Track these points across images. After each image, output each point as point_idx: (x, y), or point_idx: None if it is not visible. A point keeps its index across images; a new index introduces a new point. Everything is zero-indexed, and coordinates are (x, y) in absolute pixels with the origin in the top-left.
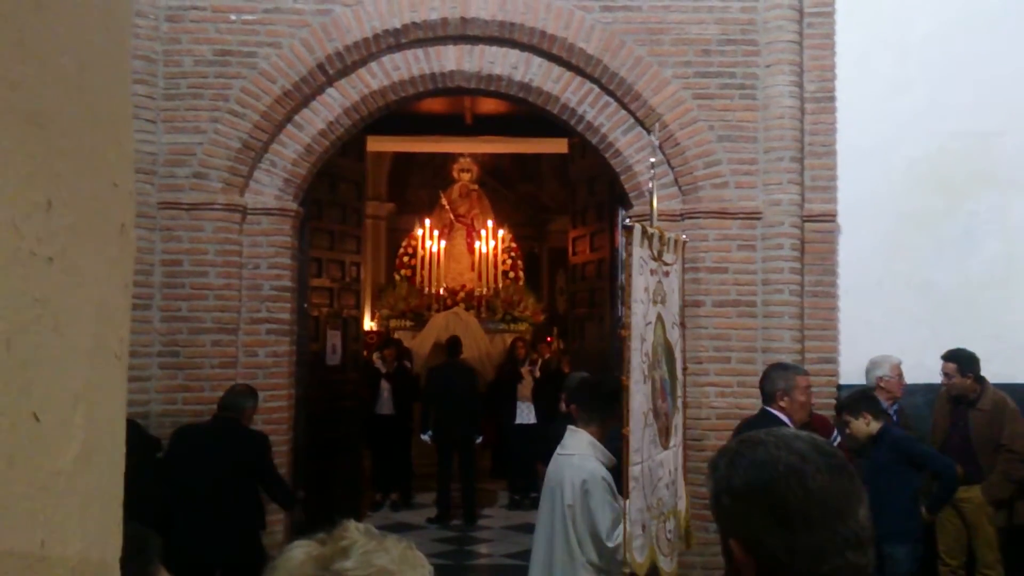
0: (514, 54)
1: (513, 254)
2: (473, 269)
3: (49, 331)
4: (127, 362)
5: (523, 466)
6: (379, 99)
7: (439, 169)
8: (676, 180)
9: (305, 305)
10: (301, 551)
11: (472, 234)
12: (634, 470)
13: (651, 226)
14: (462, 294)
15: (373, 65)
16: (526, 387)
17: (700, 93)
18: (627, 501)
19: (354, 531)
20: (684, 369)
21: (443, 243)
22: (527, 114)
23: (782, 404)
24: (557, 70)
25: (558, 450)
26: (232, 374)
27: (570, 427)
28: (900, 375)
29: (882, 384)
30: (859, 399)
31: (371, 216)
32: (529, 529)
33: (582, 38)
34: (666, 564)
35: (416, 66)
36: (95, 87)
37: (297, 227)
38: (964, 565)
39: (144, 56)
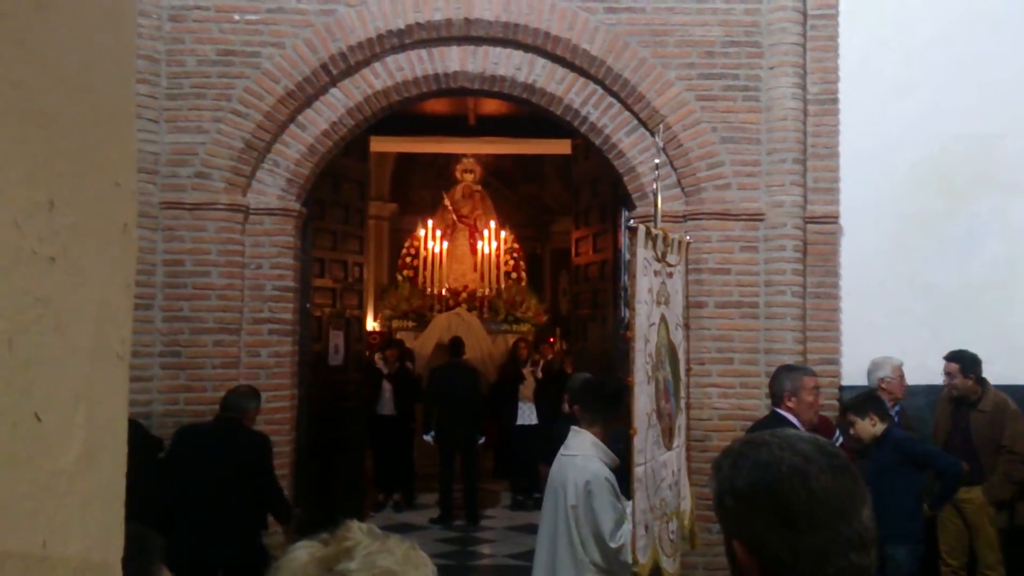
0: (518, 55)
1: (515, 255)
2: (475, 270)
3: (51, 331)
4: (129, 362)
5: (525, 467)
6: (382, 99)
7: (442, 170)
8: (679, 181)
9: (308, 305)
10: (305, 552)
11: (475, 235)
12: (637, 471)
13: (655, 227)
14: (464, 295)
15: (377, 65)
16: (528, 388)
17: (703, 95)
18: (634, 502)
19: (357, 532)
20: (687, 370)
21: (446, 244)
22: (530, 115)
23: (790, 405)
24: (561, 71)
25: (561, 451)
26: (234, 374)
27: (573, 428)
28: (902, 376)
29: (884, 385)
30: (866, 400)
31: (374, 216)
32: (532, 530)
33: (586, 39)
34: (669, 565)
35: (420, 67)
36: (98, 87)
37: (300, 227)
38: (965, 566)
39: (147, 56)
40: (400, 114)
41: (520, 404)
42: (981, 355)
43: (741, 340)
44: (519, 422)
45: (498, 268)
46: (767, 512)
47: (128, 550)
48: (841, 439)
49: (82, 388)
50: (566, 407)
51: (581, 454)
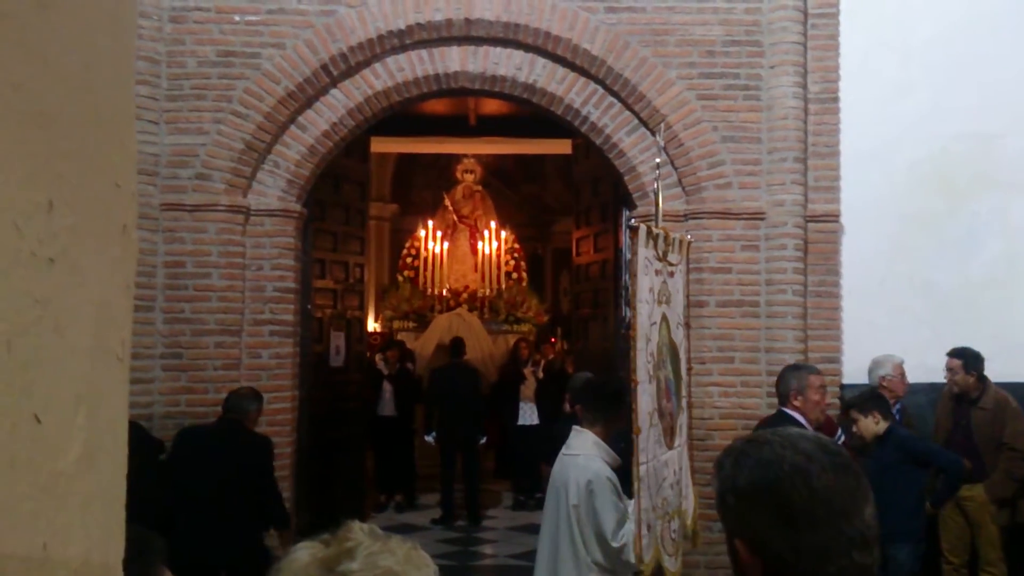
0: (518, 55)
1: (516, 255)
2: (476, 270)
3: (50, 332)
4: (129, 363)
5: (527, 467)
6: (383, 100)
7: (443, 170)
8: (680, 181)
9: (308, 307)
10: (306, 552)
11: (475, 235)
12: (639, 470)
13: (656, 226)
14: (465, 295)
15: (377, 66)
16: (529, 388)
17: (704, 94)
18: (637, 501)
19: (359, 532)
20: (688, 369)
21: (446, 244)
22: (531, 115)
23: (796, 404)
24: (561, 71)
25: (563, 450)
26: (235, 376)
27: (575, 427)
28: (903, 374)
29: (885, 383)
30: (869, 397)
31: (375, 217)
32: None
33: (586, 39)
34: (670, 564)
35: (420, 67)
36: (98, 88)
37: (300, 228)
38: (967, 563)
39: (147, 57)
40: (401, 115)
41: (521, 404)
42: (982, 353)
43: (742, 339)
44: (520, 422)
45: (499, 268)
46: (769, 511)
47: (129, 552)
48: (843, 437)
49: (82, 389)
50: (567, 407)
51: (583, 453)
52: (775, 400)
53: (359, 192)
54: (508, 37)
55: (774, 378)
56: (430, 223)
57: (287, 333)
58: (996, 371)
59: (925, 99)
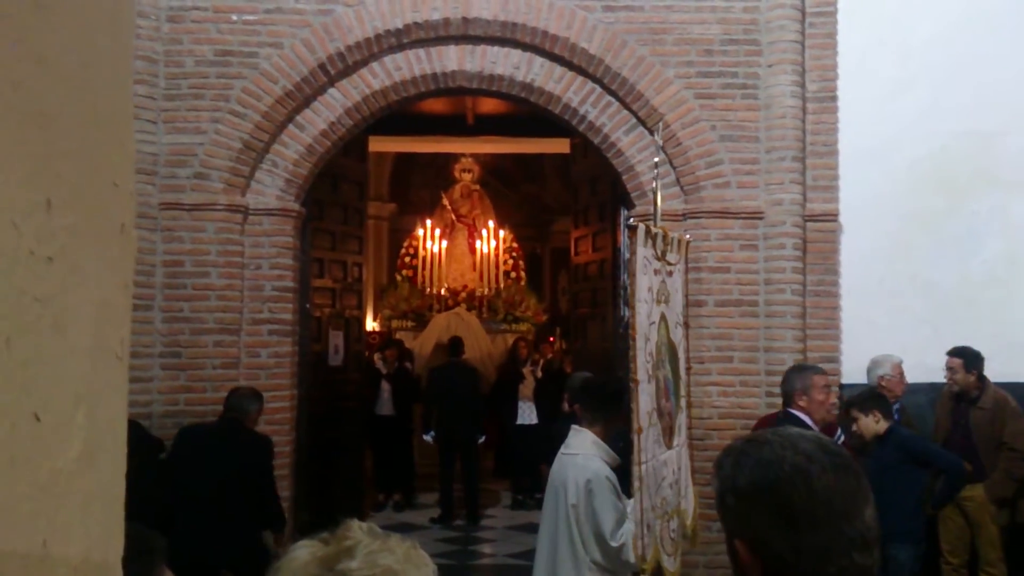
0: (516, 54)
1: (515, 254)
2: (475, 269)
3: (49, 331)
4: (128, 362)
5: (526, 466)
6: (381, 99)
7: (441, 169)
8: (678, 180)
9: (307, 306)
10: (305, 551)
11: (474, 234)
12: (638, 470)
13: (655, 226)
14: (463, 294)
15: (375, 65)
16: (528, 387)
17: (702, 93)
18: (640, 500)
19: (358, 531)
20: (688, 369)
21: (444, 243)
22: (529, 114)
23: (801, 404)
24: (559, 70)
25: (562, 450)
26: (234, 375)
27: (574, 427)
28: (901, 374)
29: (883, 383)
30: (870, 396)
31: (373, 216)
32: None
33: (584, 38)
34: (669, 563)
35: (418, 66)
36: (96, 87)
37: (299, 227)
38: (966, 564)
39: (145, 56)
40: (398, 114)
41: (520, 403)
42: (981, 352)
43: (741, 338)
44: (519, 421)
45: (497, 267)
46: (769, 511)
47: (129, 551)
48: (843, 437)
49: (81, 388)
50: (566, 406)
51: (582, 453)
52: (774, 400)
53: (357, 191)
54: (506, 36)
55: (773, 378)
56: (428, 222)
57: (286, 332)
58: (996, 370)
59: (924, 97)
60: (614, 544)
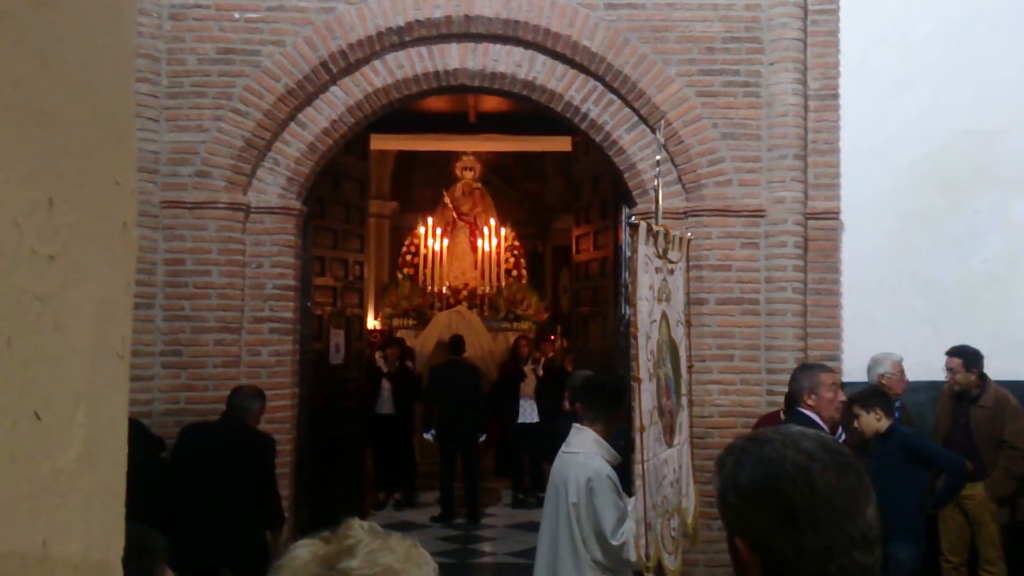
0: (518, 52)
1: (516, 252)
2: (476, 267)
3: (50, 329)
4: (129, 361)
5: (527, 464)
6: (383, 97)
7: (443, 167)
8: (680, 178)
9: (308, 304)
10: (306, 550)
11: (475, 232)
12: (640, 468)
13: (656, 224)
14: (465, 292)
15: (377, 63)
16: (529, 385)
17: (704, 91)
18: (644, 498)
19: (358, 529)
20: (689, 367)
21: (446, 241)
22: (531, 112)
23: (810, 403)
24: (561, 68)
25: (563, 448)
26: (235, 373)
27: (575, 425)
28: (902, 372)
29: (884, 381)
30: (873, 394)
31: (374, 214)
32: (533, 527)
33: (586, 36)
34: (670, 562)
35: (420, 64)
36: (98, 85)
37: (300, 225)
38: (966, 562)
39: (147, 54)
40: (400, 112)
41: (521, 402)
42: (982, 351)
43: (742, 336)
44: (520, 420)
45: (499, 266)
46: (770, 510)
47: (129, 550)
48: (844, 435)
49: (82, 387)
50: (567, 404)
51: (583, 451)
52: (775, 398)
53: (359, 189)
54: (508, 34)
55: (774, 376)
56: (430, 220)
57: (287, 330)
58: (996, 369)
59: (925, 95)
60: (615, 543)
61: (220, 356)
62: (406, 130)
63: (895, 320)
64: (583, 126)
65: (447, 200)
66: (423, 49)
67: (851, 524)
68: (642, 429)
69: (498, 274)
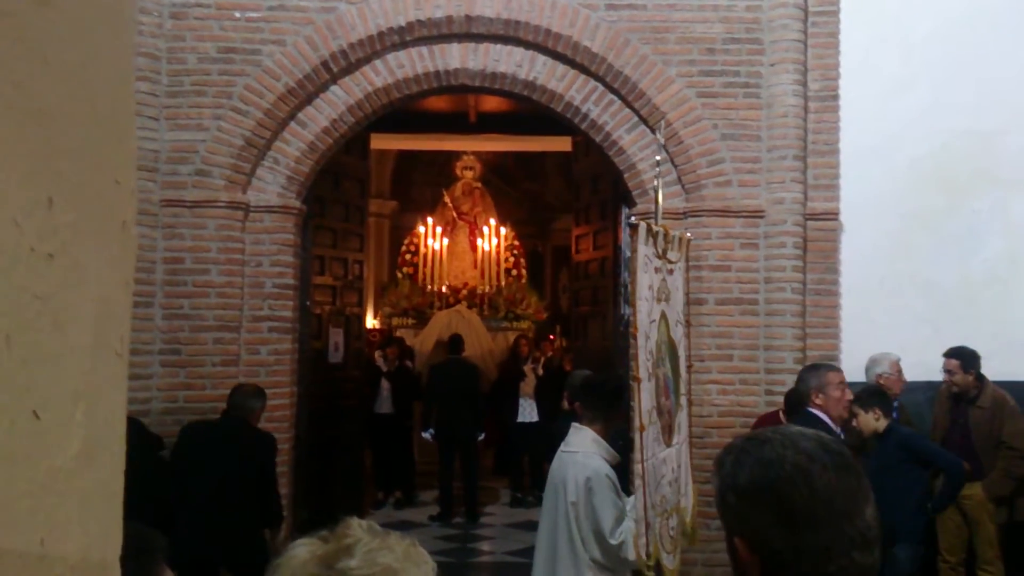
0: (519, 52)
1: (516, 252)
2: (476, 267)
3: (49, 328)
4: (128, 360)
5: (526, 463)
6: (383, 97)
7: (443, 167)
8: (679, 178)
9: (307, 303)
10: (305, 549)
11: (475, 232)
12: (639, 468)
13: (656, 224)
14: (464, 292)
15: (377, 63)
16: (528, 385)
17: (704, 91)
18: (643, 498)
19: (357, 529)
20: (688, 367)
21: (446, 241)
22: (531, 112)
23: (818, 402)
24: (561, 68)
25: (562, 447)
26: (234, 372)
27: (574, 424)
28: (900, 372)
29: (882, 381)
30: (872, 393)
31: (374, 214)
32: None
33: (587, 36)
34: (669, 561)
35: (420, 64)
36: (98, 84)
37: (300, 225)
38: (964, 562)
39: (147, 53)
40: (401, 111)
41: (521, 401)
42: (981, 351)
43: (741, 337)
44: (519, 419)
45: (498, 265)
46: (769, 510)
47: (128, 549)
48: (842, 435)
49: (81, 386)
50: (566, 404)
51: (582, 451)
52: (773, 398)
53: (359, 189)
54: (508, 34)
55: (773, 376)
56: (429, 220)
57: (286, 329)
58: (996, 369)
59: (925, 96)
60: (613, 542)
61: (219, 355)
62: (406, 130)
63: (894, 320)
64: (583, 126)
65: (447, 199)
66: (424, 49)
67: (850, 524)
68: (641, 429)
69: (498, 274)
